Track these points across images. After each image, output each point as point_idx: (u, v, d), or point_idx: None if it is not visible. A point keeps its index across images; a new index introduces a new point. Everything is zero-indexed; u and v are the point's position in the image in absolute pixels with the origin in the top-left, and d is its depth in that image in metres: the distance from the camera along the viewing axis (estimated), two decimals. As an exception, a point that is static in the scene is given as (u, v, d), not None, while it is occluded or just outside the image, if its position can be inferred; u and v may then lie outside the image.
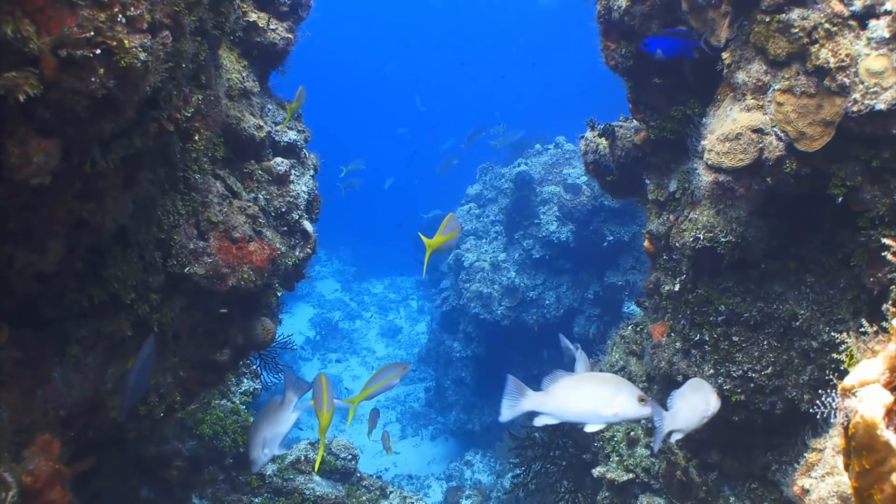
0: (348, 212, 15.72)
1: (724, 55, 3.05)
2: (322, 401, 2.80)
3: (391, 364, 3.14)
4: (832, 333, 3.14)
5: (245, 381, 5.67)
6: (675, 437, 2.74)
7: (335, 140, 21.34)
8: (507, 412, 2.56)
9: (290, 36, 3.93)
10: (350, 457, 5.51)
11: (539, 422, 2.58)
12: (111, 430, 2.81)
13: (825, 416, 2.15)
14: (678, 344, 3.73)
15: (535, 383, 2.61)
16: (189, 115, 2.49)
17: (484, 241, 10.33)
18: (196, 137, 2.82)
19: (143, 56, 1.80)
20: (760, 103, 2.92)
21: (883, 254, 1.95)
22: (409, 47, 31.24)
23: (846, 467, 1.50)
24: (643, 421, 2.79)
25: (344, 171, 10.65)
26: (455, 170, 13.45)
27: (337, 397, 2.85)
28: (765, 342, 3.41)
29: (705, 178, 3.00)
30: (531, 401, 2.56)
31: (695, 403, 2.71)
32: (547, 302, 9.56)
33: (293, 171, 3.84)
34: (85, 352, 2.53)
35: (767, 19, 2.83)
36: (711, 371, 3.54)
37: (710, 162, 2.95)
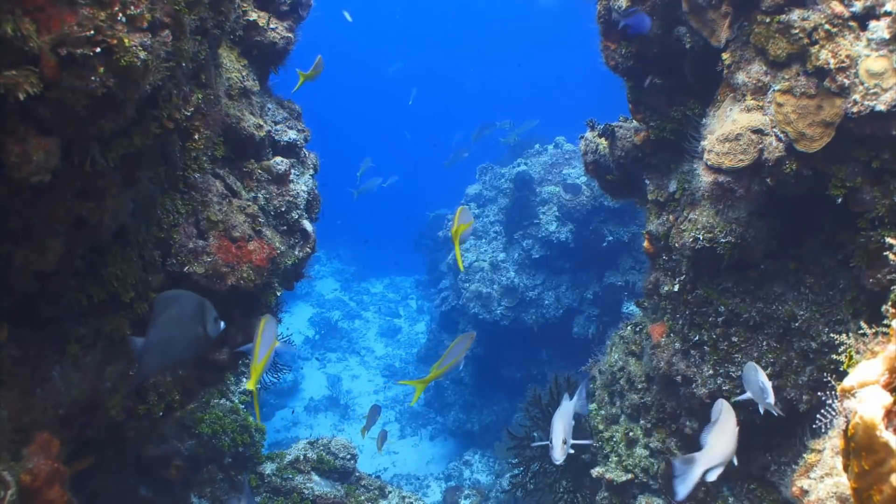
0: (348, 211, 15.70)
1: (725, 55, 3.05)
2: (255, 346, 2.54)
3: (459, 338, 3.07)
4: (831, 334, 3.14)
5: (244, 380, 5.66)
6: (774, 410, 2.85)
7: (336, 140, 21.32)
8: (684, 488, 2.49)
9: (290, 35, 3.94)
10: (349, 456, 5.50)
11: (712, 476, 2.52)
12: (110, 429, 2.80)
13: (826, 425, 2.16)
14: (677, 344, 3.73)
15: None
16: (189, 114, 2.49)
17: (483, 240, 10.33)
18: (196, 136, 2.81)
19: (143, 55, 1.80)
20: (760, 104, 2.92)
21: (885, 253, 1.95)
22: (408, 47, 31.24)
23: (845, 468, 1.50)
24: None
25: (359, 176, 10.50)
26: (455, 169, 13.42)
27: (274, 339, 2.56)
28: (764, 343, 3.41)
29: (705, 178, 3.00)
30: (701, 463, 2.51)
31: (766, 379, 2.85)
32: (546, 302, 9.56)
33: (293, 171, 3.84)
34: (84, 351, 2.53)
35: (768, 20, 2.83)
36: (710, 372, 3.54)
37: (709, 162, 2.95)
